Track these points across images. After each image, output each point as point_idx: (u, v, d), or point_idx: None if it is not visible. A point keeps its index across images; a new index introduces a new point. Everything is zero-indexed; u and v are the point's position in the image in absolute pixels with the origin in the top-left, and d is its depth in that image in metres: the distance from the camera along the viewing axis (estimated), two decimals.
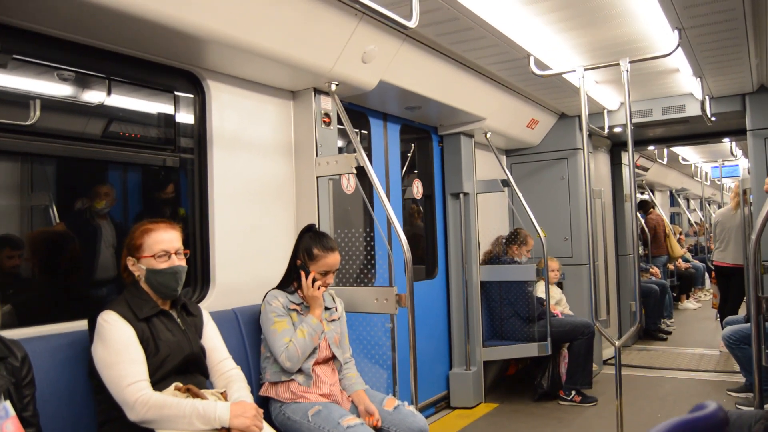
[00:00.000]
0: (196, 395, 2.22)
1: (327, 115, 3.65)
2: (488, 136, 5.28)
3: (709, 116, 5.52)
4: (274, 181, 3.53)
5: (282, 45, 3.00)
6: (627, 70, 3.70)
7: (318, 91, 3.61)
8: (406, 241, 3.12)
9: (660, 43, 4.02)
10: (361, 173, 3.32)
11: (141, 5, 2.36)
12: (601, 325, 3.91)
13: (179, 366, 2.31)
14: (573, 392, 5.08)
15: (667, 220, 10.18)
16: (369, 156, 4.43)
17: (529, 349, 5.05)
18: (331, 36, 3.20)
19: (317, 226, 3.42)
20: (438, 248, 5.24)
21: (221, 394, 2.34)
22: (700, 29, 3.77)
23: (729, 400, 5.06)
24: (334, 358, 2.94)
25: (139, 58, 2.86)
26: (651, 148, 8.38)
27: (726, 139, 7.80)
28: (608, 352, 6.34)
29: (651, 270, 8.67)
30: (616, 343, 3.80)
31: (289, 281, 2.98)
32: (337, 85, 3.47)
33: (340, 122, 3.65)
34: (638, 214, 8.95)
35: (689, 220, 14.37)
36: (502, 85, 4.94)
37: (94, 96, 2.92)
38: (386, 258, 4.11)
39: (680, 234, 11.09)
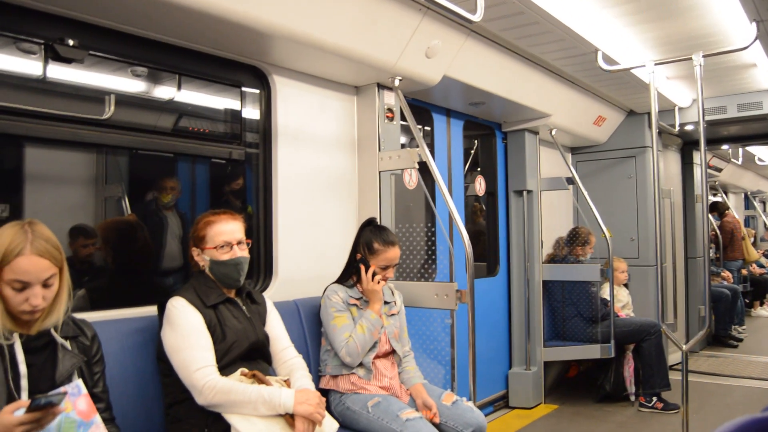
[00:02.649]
0: (261, 381, 2.26)
1: (390, 110, 3.66)
2: (553, 133, 5.20)
3: None
4: (337, 175, 3.57)
5: (346, 40, 3.03)
6: (700, 65, 3.56)
7: (381, 86, 3.62)
8: (467, 236, 3.10)
9: (736, 36, 3.87)
10: (424, 169, 3.32)
11: (210, 2, 2.42)
12: (667, 329, 3.79)
13: (245, 353, 2.36)
14: (654, 398, 4.91)
15: (741, 223, 9.79)
16: (431, 152, 4.42)
17: (592, 351, 4.94)
18: (395, 31, 3.21)
19: (378, 221, 3.44)
20: (500, 246, 5.19)
21: (285, 381, 2.38)
22: None
23: None
24: (393, 352, 2.94)
25: (208, 53, 2.94)
26: (725, 147, 8.05)
27: None
28: (674, 357, 6.14)
29: (723, 274, 8.36)
30: (684, 347, 3.68)
31: (349, 275, 3.00)
32: (400, 80, 3.47)
33: (403, 118, 3.66)
34: (711, 216, 8.65)
35: (765, 224, 13.75)
36: (569, 81, 4.85)
37: (164, 91, 3.02)
38: (447, 254, 4.09)
39: (753, 237, 10.65)
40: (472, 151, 5.24)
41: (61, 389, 1.67)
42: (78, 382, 1.76)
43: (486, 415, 4.72)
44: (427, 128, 4.51)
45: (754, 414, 1.03)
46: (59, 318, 1.82)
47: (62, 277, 1.81)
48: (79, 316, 2.03)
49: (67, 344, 1.85)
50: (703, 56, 3.57)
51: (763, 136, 7.15)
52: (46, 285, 1.74)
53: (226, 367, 2.27)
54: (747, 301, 9.29)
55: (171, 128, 3.07)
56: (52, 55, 2.38)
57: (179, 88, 3.03)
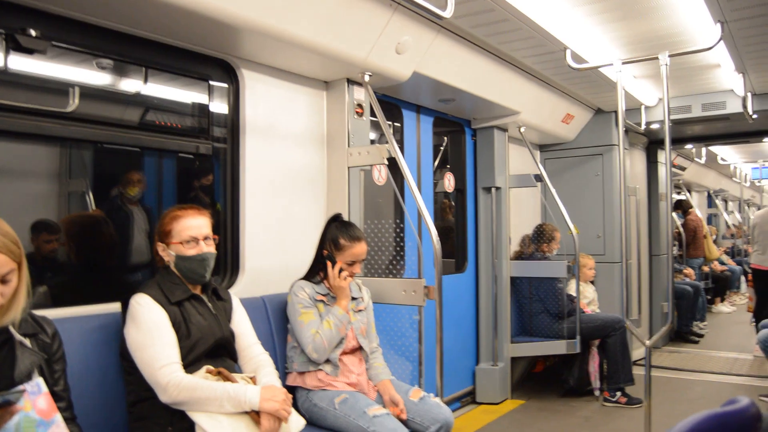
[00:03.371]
0: (226, 379, 2.24)
1: (360, 105, 3.65)
2: (522, 130, 5.24)
3: (751, 114, 5.38)
4: (306, 170, 3.55)
5: (316, 34, 3.01)
6: (666, 65, 3.62)
7: (351, 82, 3.61)
8: (436, 233, 3.11)
9: (701, 36, 3.92)
10: (393, 165, 3.32)
11: None
12: (632, 325, 3.85)
13: (210, 350, 2.33)
14: (618, 393, 5.00)
15: (704, 221, 9.98)
16: (401, 148, 4.42)
17: (558, 347, 5.00)
18: (365, 26, 3.19)
19: (347, 217, 3.43)
20: (468, 242, 5.22)
21: (250, 378, 2.36)
22: (743, 22, 3.68)
23: (762, 406, 4.94)
24: (360, 348, 2.94)
25: (175, 46, 2.89)
26: (689, 146, 8.21)
27: (767, 139, 7.61)
28: (638, 353, 6.23)
29: (684, 271, 8.52)
30: (647, 342, 3.74)
31: (316, 271, 2.99)
32: (370, 75, 3.46)
33: (372, 113, 3.65)
34: (675, 215, 8.81)
35: (727, 222, 14.07)
36: (538, 79, 4.89)
37: (131, 84, 2.97)
38: (416, 250, 4.10)
39: (715, 235, 10.88)
40: (442, 148, 5.25)
41: (20, 387, 1.64)
42: (38, 381, 1.71)
43: (453, 411, 4.74)
44: (397, 124, 4.51)
45: (714, 409, 1.05)
46: (17, 315, 1.77)
47: (21, 273, 1.76)
48: (40, 313, 1.98)
49: (27, 342, 1.80)
50: (669, 56, 3.62)
51: (726, 136, 7.30)
52: (3, 281, 1.69)
53: (191, 364, 2.25)
54: (709, 297, 9.48)
55: (137, 122, 3.02)
56: (13, 45, 2.32)
57: (146, 81, 2.98)
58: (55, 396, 1.80)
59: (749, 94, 5.33)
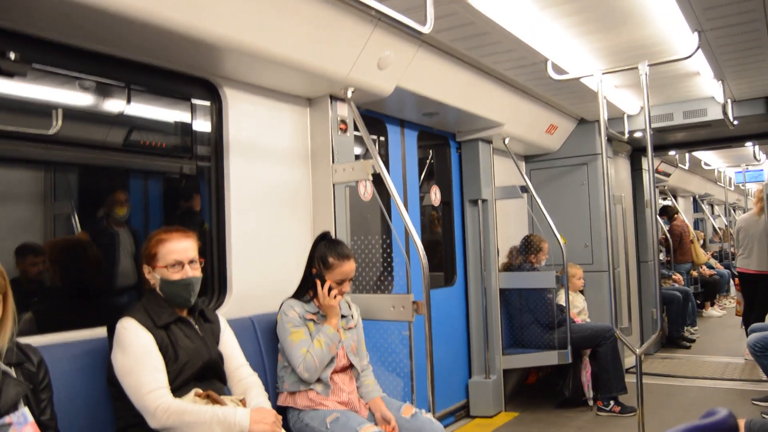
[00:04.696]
0: (215, 402, 2.22)
1: (343, 121, 3.65)
2: (506, 142, 5.26)
3: (731, 120, 5.44)
4: (291, 188, 3.54)
5: (297, 52, 3.01)
6: (646, 74, 3.66)
7: (334, 98, 3.61)
8: (422, 248, 3.10)
9: (679, 45, 3.98)
10: (378, 180, 3.31)
11: (157, 14, 2.37)
12: (622, 333, 3.86)
13: (198, 372, 2.31)
14: (612, 402, 4.99)
15: (690, 226, 10.05)
16: (386, 163, 4.43)
17: (550, 357, 4.99)
18: (346, 42, 3.20)
19: (334, 233, 3.42)
20: (456, 255, 5.22)
21: (240, 400, 2.34)
22: (720, 31, 3.73)
23: (754, 410, 4.96)
24: (351, 366, 2.92)
25: (157, 66, 2.87)
26: (672, 153, 8.29)
27: (749, 143, 7.69)
28: (630, 360, 6.24)
29: (673, 277, 8.56)
30: (637, 350, 3.74)
31: (305, 290, 2.97)
32: (353, 91, 3.47)
33: (356, 129, 3.65)
34: (661, 220, 8.86)
35: (713, 226, 14.18)
36: (520, 91, 4.92)
37: (114, 105, 2.96)
38: (404, 265, 4.09)
39: (702, 240, 10.95)
40: (428, 162, 5.26)
41: (6, 419, 1.61)
42: (24, 411, 1.69)
43: (447, 426, 4.74)
44: (382, 139, 4.51)
45: (693, 422, 1.06)
46: (3, 345, 1.75)
47: (6, 304, 1.74)
48: (25, 340, 1.96)
49: (12, 372, 1.78)
50: (649, 65, 3.66)
51: (708, 142, 7.38)
52: None
53: (179, 388, 2.22)
54: (698, 302, 9.52)
55: (121, 143, 3.01)
56: None
57: (128, 101, 2.97)
58: (42, 426, 1.78)
59: (729, 101, 5.39)
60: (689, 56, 3.77)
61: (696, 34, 3.66)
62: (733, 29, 3.71)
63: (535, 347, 5.18)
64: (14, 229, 2.82)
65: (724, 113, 5.33)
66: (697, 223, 14.25)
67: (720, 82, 4.90)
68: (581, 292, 5.68)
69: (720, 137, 6.98)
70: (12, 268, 2.59)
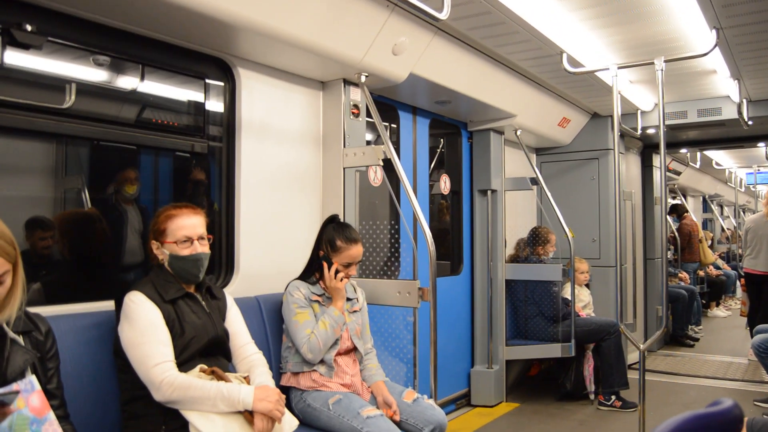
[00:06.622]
0: (220, 378, 2.23)
1: (356, 106, 3.65)
2: (518, 133, 5.24)
3: (746, 120, 5.40)
4: (301, 170, 3.54)
5: (313, 34, 3.00)
6: (662, 70, 3.63)
7: (347, 83, 3.61)
8: (430, 235, 3.10)
9: (697, 42, 3.95)
10: (389, 166, 3.32)
11: None
12: (626, 329, 3.86)
13: (204, 348, 2.33)
14: (613, 397, 5.00)
15: (699, 225, 10.00)
16: (397, 149, 4.43)
17: (553, 350, 5.00)
18: (362, 27, 3.19)
19: (342, 217, 3.42)
20: (464, 245, 5.22)
21: (244, 378, 2.36)
22: (738, 29, 3.69)
23: (756, 411, 4.96)
24: (355, 349, 2.94)
25: (172, 44, 2.88)
26: (684, 150, 8.24)
27: (761, 144, 7.64)
28: (633, 356, 6.25)
29: (680, 275, 8.54)
30: (641, 346, 3.74)
31: (311, 272, 2.98)
32: (366, 76, 3.46)
33: (369, 114, 3.65)
34: (669, 219, 8.82)
35: (722, 227, 14.10)
36: (534, 82, 4.89)
37: (127, 81, 2.96)
38: (411, 252, 4.10)
39: (711, 240, 10.90)
40: (438, 150, 5.25)
41: (13, 386, 1.62)
42: (31, 378, 1.70)
43: (448, 413, 4.76)
44: (393, 126, 4.51)
45: (698, 410, 1.06)
46: (12, 314, 1.76)
47: (16, 274, 1.75)
48: (33, 310, 1.97)
49: (20, 339, 1.80)
50: (665, 61, 3.63)
51: (721, 141, 7.33)
52: None
53: (184, 363, 2.24)
54: (704, 302, 9.50)
55: (133, 119, 3.01)
56: (9, 40, 2.31)
57: (142, 78, 2.97)
58: (48, 394, 1.80)
59: (745, 101, 5.34)
60: (706, 53, 3.73)
61: (714, 31, 3.62)
62: (752, 27, 3.67)
63: (538, 339, 5.19)
64: (25, 202, 2.83)
65: (739, 113, 5.29)
66: (706, 224, 14.17)
67: (736, 81, 4.85)
68: (587, 286, 5.67)
69: (733, 137, 6.93)
70: (22, 241, 2.61)
